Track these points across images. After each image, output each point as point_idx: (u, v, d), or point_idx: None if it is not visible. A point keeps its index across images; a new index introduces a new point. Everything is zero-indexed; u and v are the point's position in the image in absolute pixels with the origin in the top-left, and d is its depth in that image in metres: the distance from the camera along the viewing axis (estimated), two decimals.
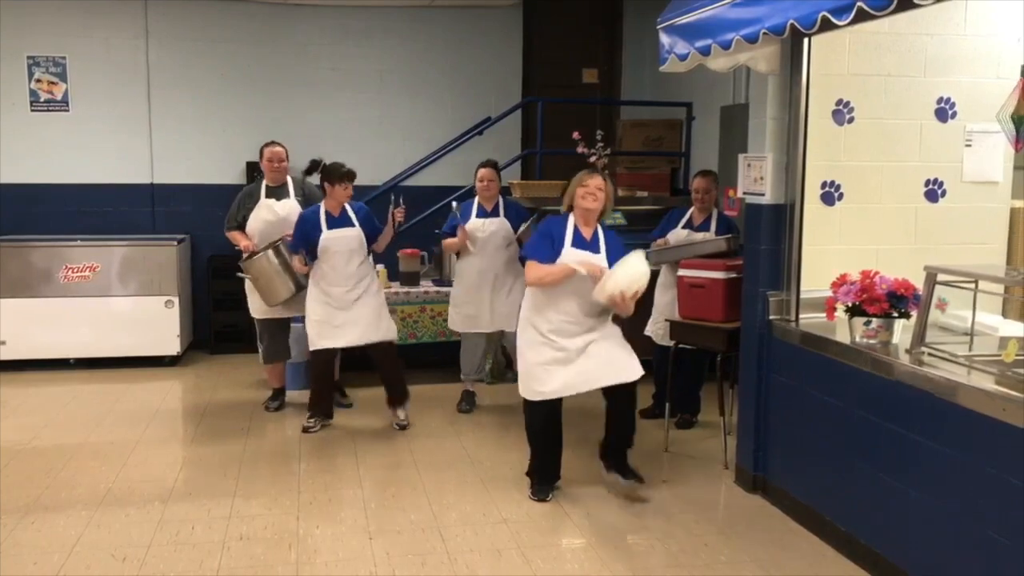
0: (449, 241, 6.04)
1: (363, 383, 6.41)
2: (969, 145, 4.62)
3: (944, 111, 4.58)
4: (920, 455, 3.47)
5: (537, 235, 4.55)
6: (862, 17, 3.23)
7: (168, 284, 7.36)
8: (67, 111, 7.74)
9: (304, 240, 5.58)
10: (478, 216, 5.98)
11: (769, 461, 4.59)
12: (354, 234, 5.58)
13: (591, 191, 4.43)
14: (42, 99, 7.72)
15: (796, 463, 4.38)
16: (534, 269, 4.42)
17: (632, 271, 4.23)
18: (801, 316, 4.41)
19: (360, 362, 6.06)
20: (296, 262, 5.64)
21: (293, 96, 8.07)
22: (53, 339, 7.18)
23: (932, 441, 3.41)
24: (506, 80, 8.35)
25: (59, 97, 7.73)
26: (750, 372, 4.65)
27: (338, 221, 5.58)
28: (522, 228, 5.82)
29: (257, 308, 6.05)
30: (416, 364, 6.42)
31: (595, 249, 4.45)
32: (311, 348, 5.69)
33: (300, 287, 5.80)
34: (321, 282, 5.62)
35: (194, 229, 7.97)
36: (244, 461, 5.16)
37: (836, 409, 4.00)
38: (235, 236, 6.00)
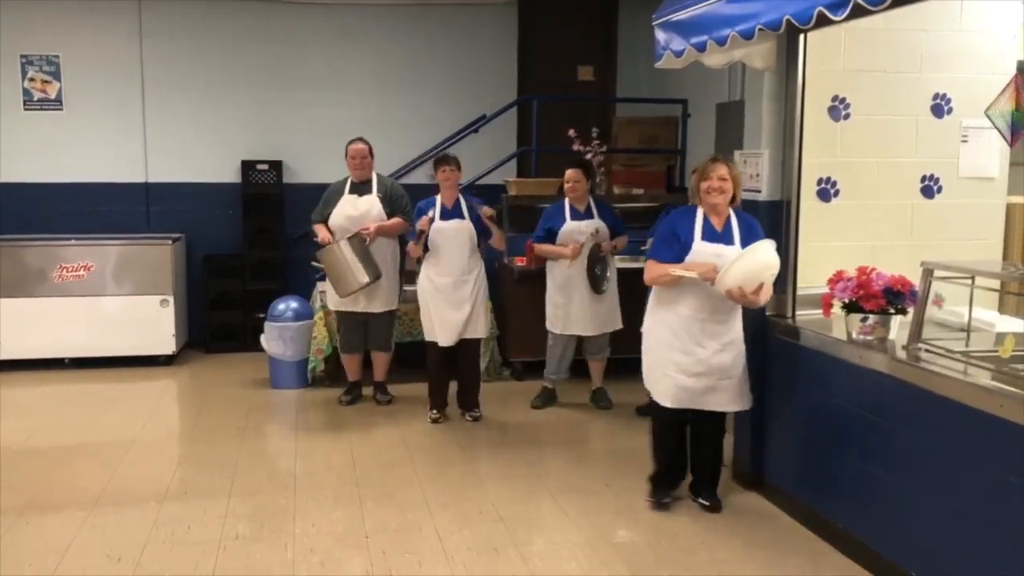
0: (553, 249, 5.88)
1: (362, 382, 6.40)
2: (965, 141, 4.62)
3: (940, 107, 4.58)
4: (917, 451, 3.47)
5: (660, 234, 4.30)
6: (858, 12, 3.22)
7: (163, 283, 7.34)
8: (61, 110, 7.72)
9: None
10: (572, 219, 5.89)
11: (766, 458, 4.58)
12: (463, 226, 5.67)
13: (715, 185, 4.10)
14: (35, 98, 7.69)
15: (793, 460, 4.37)
16: (651, 269, 4.20)
17: (752, 264, 3.90)
18: (798, 313, 4.41)
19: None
20: (411, 248, 5.77)
21: (288, 94, 8.04)
22: (48, 339, 7.15)
23: (929, 438, 3.40)
24: (502, 78, 8.32)
25: (53, 96, 7.70)
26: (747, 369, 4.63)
27: (450, 213, 5.67)
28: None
29: (334, 300, 6.08)
30: (415, 362, 6.39)
31: (728, 240, 4.13)
32: (426, 338, 5.81)
33: (373, 279, 5.81)
34: (431, 272, 5.71)
35: (189, 228, 7.94)
36: (240, 460, 5.14)
37: (833, 406, 3.99)
38: (317, 228, 6.07)
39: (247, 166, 7.88)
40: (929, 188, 4.64)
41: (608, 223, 5.94)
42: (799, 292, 4.41)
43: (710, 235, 4.17)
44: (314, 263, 5.99)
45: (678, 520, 4.33)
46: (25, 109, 7.67)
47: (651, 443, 4.52)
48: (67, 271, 7.20)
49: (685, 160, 7.64)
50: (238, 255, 7.89)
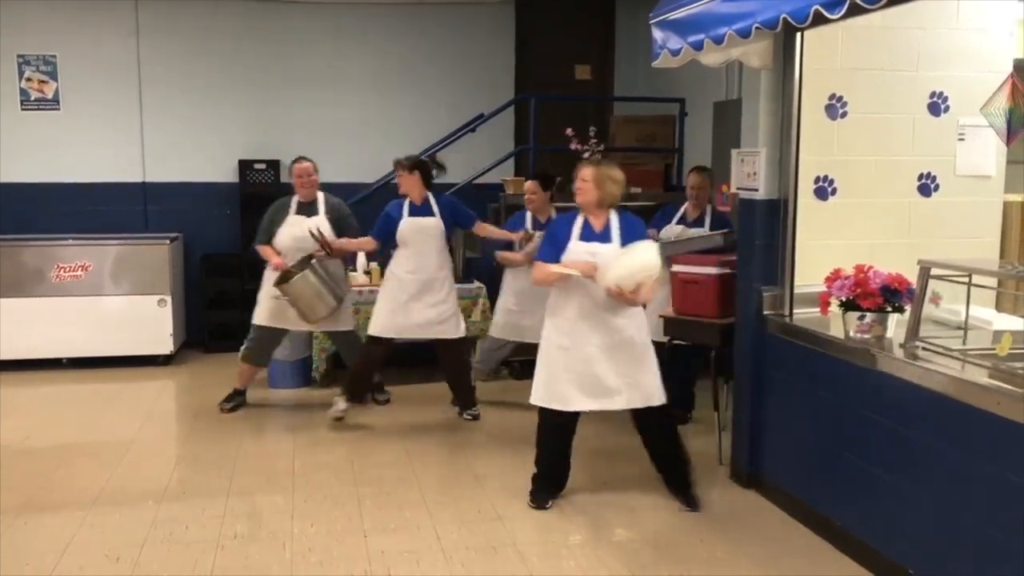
0: (507, 256, 5.93)
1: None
2: (962, 139, 4.62)
3: (937, 105, 4.58)
4: (914, 449, 3.47)
5: (545, 235, 4.50)
6: (855, 11, 3.23)
7: (161, 283, 7.33)
8: (58, 110, 7.72)
9: (385, 229, 5.67)
10: (534, 228, 5.92)
11: (764, 457, 4.58)
12: (432, 223, 5.66)
13: (577, 184, 4.36)
14: (32, 98, 7.69)
15: (791, 458, 4.38)
16: (536, 269, 4.39)
17: (627, 264, 4.09)
18: (795, 311, 4.41)
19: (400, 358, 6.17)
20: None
21: (285, 93, 8.04)
22: (46, 339, 7.14)
23: (926, 435, 3.41)
24: (499, 77, 8.33)
25: (50, 96, 7.70)
26: (744, 368, 4.64)
27: (419, 210, 5.67)
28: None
29: (265, 316, 5.97)
30: (409, 362, 6.40)
31: (606, 239, 4.30)
32: (372, 333, 5.71)
33: (338, 301, 5.80)
34: (398, 269, 5.68)
35: (187, 227, 7.94)
36: (238, 460, 5.14)
37: (830, 404, 3.99)
38: (266, 252, 5.94)
39: (245, 165, 7.88)
40: (926, 186, 4.64)
41: None
42: (796, 290, 4.41)
43: (587, 235, 4.33)
44: (276, 296, 5.80)
45: (676, 519, 4.34)
46: (22, 109, 7.67)
47: (535, 444, 4.57)
48: (65, 271, 7.19)
49: (683, 159, 7.64)
50: (236, 255, 7.89)
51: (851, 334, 3.91)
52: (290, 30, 8.00)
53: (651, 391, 4.35)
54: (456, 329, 5.78)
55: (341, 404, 5.74)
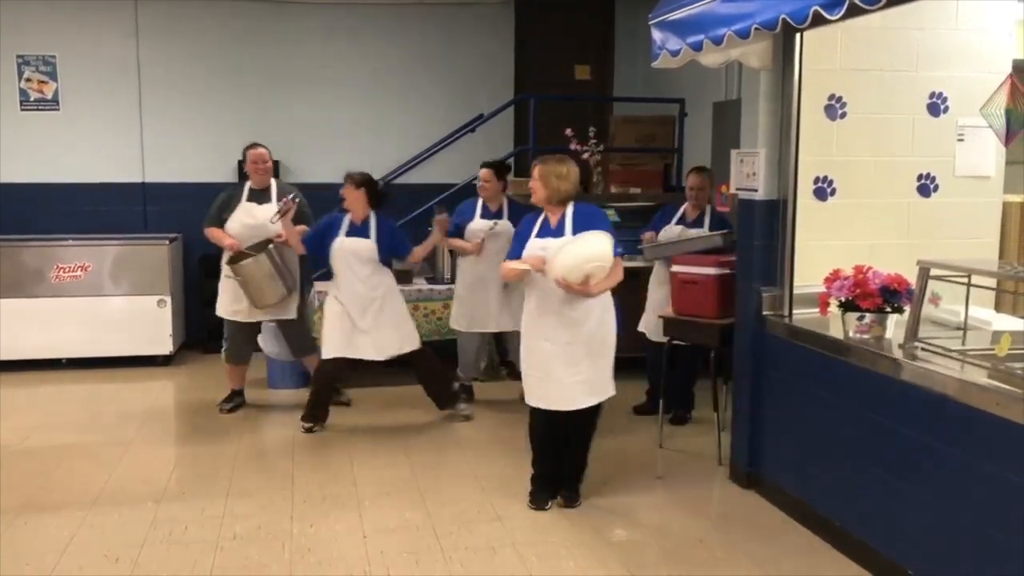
0: (457, 243, 6.00)
1: (359, 382, 6.38)
2: (961, 140, 4.62)
3: (936, 106, 4.58)
4: (914, 450, 3.47)
5: (514, 233, 4.60)
6: (854, 12, 3.23)
7: (160, 283, 7.33)
8: (57, 110, 7.72)
9: (319, 238, 5.59)
10: (482, 216, 5.97)
11: (763, 457, 4.59)
12: (363, 245, 5.54)
13: (530, 184, 4.41)
14: (32, 98, 7.69)
15: (790, 459, 4.38)
16: (501, 268, 4.46)
17: (576, 253, 4.07)
18: (794, 312, 4.41)
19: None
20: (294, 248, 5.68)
21: (284, 94, 8.05)
22: (45, 339, 7.14)
23: (926, 436, 3.41)
24: (498, 77, 8.33)
25: (49, 96, 7.70)
26: (744, 368, 4.64)
27: (356, 230, 5.57)
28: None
29: (225, 308, 5.98)
30: (408, 361, 6.39)
31: (559, 234, 4.31)
32: (324, 356, 5.64)
33: (289, 291, 5.79)
34: (335, 290, 5.63)
35: (186, 228, 7.91)
36: (237, 460, 5.14)
37: (830, 404, 4.00)
38: (217, 235, 5.87)
39: (244, 166, 7.86)
40: (925, 187, 4.64)
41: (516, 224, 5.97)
42: (796, 291, 4.41)
43: (544, 231, 4.38)
44: (226, 275, 5.81)
45: (676, 519, 4.34)
46: (22, 109, 7.67)
47: (529, 443, 4.57)
48: (64, 271, 7.19)
49: (682, 159, 7.63)
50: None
51: (850, 334, 3.91)
52: (289, 31, 8.00)
53: (600, 387, 4.35)
54: (409, 342, 5.68)
55: (307, 423, 5.66)
